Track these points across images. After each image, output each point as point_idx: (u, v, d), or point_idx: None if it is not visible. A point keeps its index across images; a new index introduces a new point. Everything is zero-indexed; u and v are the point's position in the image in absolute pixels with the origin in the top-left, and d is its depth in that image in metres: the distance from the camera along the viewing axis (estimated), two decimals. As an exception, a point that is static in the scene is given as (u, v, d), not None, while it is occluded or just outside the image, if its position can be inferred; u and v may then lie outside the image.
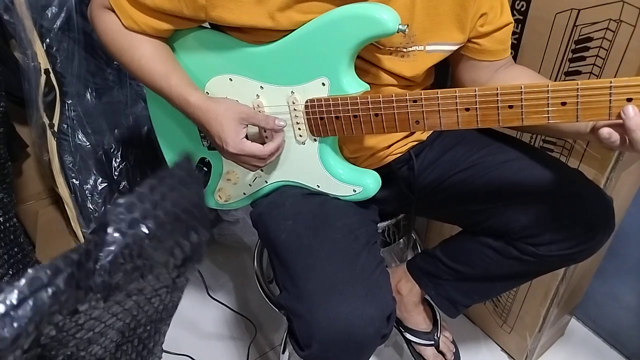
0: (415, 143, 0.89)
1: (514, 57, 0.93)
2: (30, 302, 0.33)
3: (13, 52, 1.15)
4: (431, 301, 0.99)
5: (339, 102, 0.72)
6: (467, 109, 0.65)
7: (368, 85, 0.74)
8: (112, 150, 1.31)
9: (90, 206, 1.29)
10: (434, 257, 0.92)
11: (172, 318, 0.60)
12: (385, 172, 0.85)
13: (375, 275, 0.73)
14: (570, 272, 1.03)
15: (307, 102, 0.75)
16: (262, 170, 0.85)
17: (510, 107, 0.63)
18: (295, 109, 0.76)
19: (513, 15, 0.89)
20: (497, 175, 0.81)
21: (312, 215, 0.80)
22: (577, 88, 0.59)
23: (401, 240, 1.06)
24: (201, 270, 1.21)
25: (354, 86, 0.72)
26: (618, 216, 0.90)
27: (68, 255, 0.36)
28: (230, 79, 0.79)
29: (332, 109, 0.73)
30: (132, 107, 1.33)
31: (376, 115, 0.71)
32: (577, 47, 0.83)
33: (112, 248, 0.40)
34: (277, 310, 0.92)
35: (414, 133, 0.88)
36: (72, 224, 1.30)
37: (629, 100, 0.58)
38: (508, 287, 0.97)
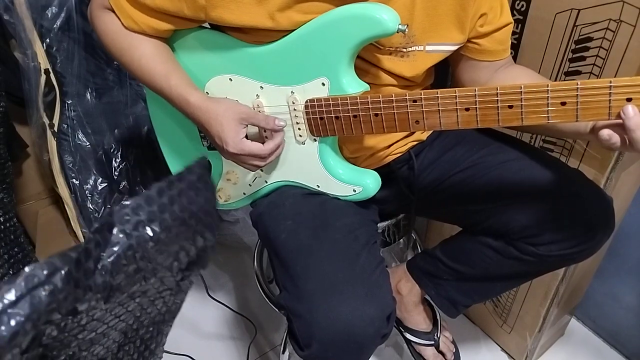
0: (415, 143, 0.89)
1: (514, 57, 0.93)
2: (27, 300, 0.33)
3: (13, 52, 1.15)
4: (431, 301, 0.99)
5: (339, 102, 0.72)
6: (467, 109, 0.65)
7: (368, 85, 0.74)
8: (112, 150, 1.31)
9: (90, 206, 1.29)
10: (434, 257, 0.92)
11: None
12: (385, 172, 0.85)
13: (375, 275, 0.73)
14: (570, 272, 1.03)
15: (307, 102, 0.75)
16: (262, 170, 0.85)
17: (510, 107, 0.63)
18: (295, 109, 0.76)
19: (513, 15, 0.89)
20: (497, 175, 0.81)
21: (312, 215, 0.80)
22: (577, 88, 0.59)
23: (401, 240, 1.06)
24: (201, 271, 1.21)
25: (353, 86, 0.72)
26: (618, 216, 0.90)
27: (66, 253, 0.36)
28: (230, 79, 0.79)
29: (332, 109, 0.73)
30: (132, 107, 1.33)
31: (376, 115, 0.71)
32: (577, 47, 0.83)
33: (115, 249, 0.40)
34: (277, 310, 0.93)
35: (413, 133, 0.88)
36: (72, 224, 1.30)
37: (629, 100, 0.58)
38: (508, 287, 0.97)
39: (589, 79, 0.84)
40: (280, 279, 0.77)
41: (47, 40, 1.15)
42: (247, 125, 0.75)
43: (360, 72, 0.74)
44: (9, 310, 0.32)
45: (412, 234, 1.16)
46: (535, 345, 1.18)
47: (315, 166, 0.81)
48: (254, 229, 0.89)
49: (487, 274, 0.87)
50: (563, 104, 0.61)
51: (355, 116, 0.72)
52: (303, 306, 0.69)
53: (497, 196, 0.80)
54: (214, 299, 1.22)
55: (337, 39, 0.69)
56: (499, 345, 1.29)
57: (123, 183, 1.34)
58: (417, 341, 1.02)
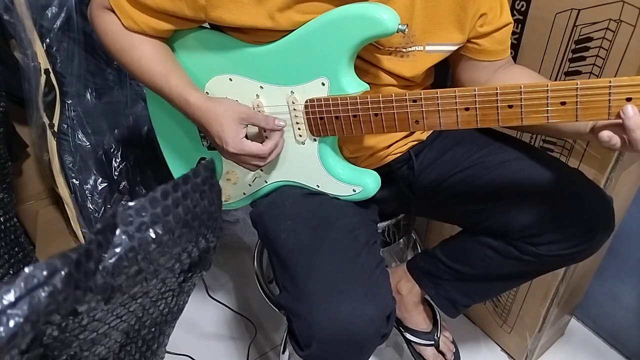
0: (415, 143, 0.89)
1: (514, 57, 0.93)
2: (27, 301, 0.33)
3: (13, 52, 1.15)
4: (431, 301, 0.99)
5: (339, 102, 0.72)
6: (467, 109, 0.65)
7: (368, 85, 0.74)
8: (112, 150, 1.32)
9: (90, 206, 1.29)
10: (434, 257, 0.92)
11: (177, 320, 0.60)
12: (385, 172, 0.85)
13: (375, 275, 0.73)
14: (570, 272, 1.03)
15: (306, 102, 0.75)
16: (261, 170, 0.85)
17: (510, 106, 0.63)
18: (295, 109, 0.76)
19: (513, 15, 0.89)
20: (497, 175, 0.81)
21: (312, 215, 0.80)
22: (577, 88, 0.59)
23: (401, 240, 1.06)
24: (201, 270, 1.21)
25: (353, 86, 0.72)
26: (618, 216, 0.90)
27: (67, 254, 0.36)
28: (230, 79, 0.79)
29: (331, 108, 0.73)
30: (132, 107, 1.33)
31: (376, 115, 0.71)
32: (577, 47, 0.83)
33: (117, 250, 0.40)
34: (277, 310, 0.92)
35: (413, 133, 0.88)
36: (72, 224, 1.30)
37: (629, 99, 0.58)
38: (508, 287, 0.97)
39: (589, 79, 0.84)
40: (280, 279, 0.77)
41: (47, 40, 1.15)
42: (247, 125, 0.75)
43: (360, 72, 0.74)
44: (8, 311, 0.32)
45: (412, 234, 1.16)
46: (535, 345, 1.18)
47: (315, 166, 0.81)
48: (254, 229, 0.89)
49: (487, 274, 0.87)
50: (563, 103, 0.61)
51: (355, 116, 0.72)
52: (303, 306, 0.69)
53: (497, 196, 0.80)
54: (214, 299, 1.22)
55: (336, 39, 0.69)
56: (499, 345, 1.29)
57: (123, 183, 1.34)
58: (417, 341, 1.02)
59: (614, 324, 1.24)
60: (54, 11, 1.14)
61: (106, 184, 1.30)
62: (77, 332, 0.42)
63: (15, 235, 1.05)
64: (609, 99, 0.58)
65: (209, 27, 0.79)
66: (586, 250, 0.78)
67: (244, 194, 0.90)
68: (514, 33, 0.91)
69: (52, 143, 1.22)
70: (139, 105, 1.34)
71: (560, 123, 0.64)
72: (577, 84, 0.59)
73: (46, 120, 1.21)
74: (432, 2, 0.73)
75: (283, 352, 1.01)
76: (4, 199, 1.04)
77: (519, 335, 1.20)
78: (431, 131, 0.91)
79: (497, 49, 0.80)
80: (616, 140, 0.61)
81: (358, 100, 0.71)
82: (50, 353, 0.40)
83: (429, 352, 1.03)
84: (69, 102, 1.22)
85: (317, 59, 0.71)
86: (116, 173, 1.32)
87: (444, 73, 0.98)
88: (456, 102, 0.66)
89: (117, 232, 0.40)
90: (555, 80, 0.89)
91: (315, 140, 0.79)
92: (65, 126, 1.23)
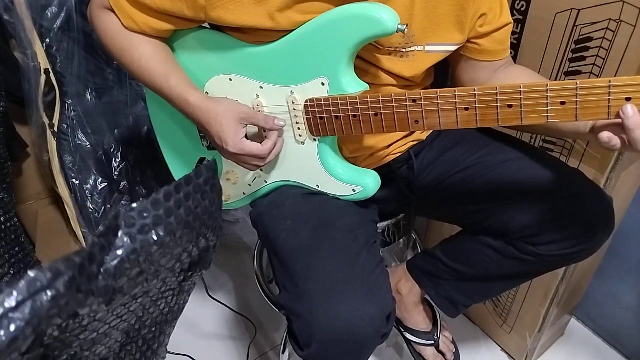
0: (415, 143, 0.89)
1: (514, 57, 0.93)
2: (29, 305, 0.33)
3: (13, 52, 1.15)
4: (431, 301, 0.99)
5: (339, 102, 0.72)
6: (467, 109, 0.65)
7: (367, 85, 0.74)
8: (112, 150, 1.32)
9: (90, 206, 1.29)
10: (434, 257, 0.92)
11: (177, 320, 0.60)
12: (385, 172, 0.85)
13: (375, 275, 0.73)
14: (570, 272, 1.03)
15: (306, 102, 0.75)
16: (261, 170, 0.85)
17: (510, 106, 0.63)
18: (294, 109, 0.76)
19: (513, 15, 0.89)
20: (497, 175, 0.81)
21: (311, 215, 0.80)
22: (576, 87, 0.59)
23: (401, 240, 1.06)
24: (201, 270, 1.21)
25: (353, 86, 0.72)
26: (618, 216, 0.90)
27: (71, 258, 0.36)
28: (230, 79, 0.79)
29: (331, 108, 0.73)
30: (132, 107, 1.33)
31: (375, 115, 0.71)
32: (577, 47, 0.83)
33: (119, 252, 0.40)
34: (277, 310, 0.93)
35: (413, 133, 0.88)
36: (72, 224, 1.30)
37: (628, 99, 0.58)
38: (508, 287, 0.96)
39: (589, 79, 0.84)
40: (280, 279, 0.77)
41: (47, 40, 1.15)
42: (246, 125, 0.75)
43: (360, 72, 0.74)
44: (10, 315, 0.32)
45: (412, 234, 1.16)
46: (535, 345, 1.18)
47: (315, 166, 0.81)
48: (254, 229, 0.89)
49: (487, 274, 0.87)
50: (562, 103, 0.61)
51: (354, 116, 0.72)
52: (303, 306, 0.69)
53: (497, 196, 0.80)
54: (214, 299, 1.22)
55: (336, 39, 0.69)
56: (499, 345, 1.29)
57: (123, 183, 1.34)
58: (417, 341, 1.02)
59: (614, 324, 1.24)
60: (54, 11, 1.14)
61: (106, 184, 1.30)
62: (78, 332, 0.42)
63: (16, 235, 1.05)
64: (609, 99, 0.58)
65: (208, 27, 0.79)
66: (586, 250, 0.78)
67: (244, 194, 0.90)
68: (514, 33, 0.91)
69: (52, 143, 1.22)
70: (139, 105, 1.34)
71: (560, 123, 0.64)
72: (576, 83, 0.59)
73: (46, 120, 1.21)
74: (432, 2, 0.73)
75: (283, 352, 1.01)
76: (4, 199, 1.04)
77: (519, 335, 1.20)
78: (431, 131, 0.91)
79: (497, 49, 0.80)
80: (616, 141, 0.61)
81: (358, 100, 0.71)
82: (50, 353, 0.40)
83: (429, 352, 1.03)
84: (69, 102, 1.22)
85: (317, 59, 0.71)
86: (116, 173, 1.32)
87: (444, 73, 0.98)
88: (456, 102, 0.66)
89: (120, 234, 0.40)
90: (555, 80, 0.89)
91: (315, 140, 0.79)
92: (65, 126, 1.23)
